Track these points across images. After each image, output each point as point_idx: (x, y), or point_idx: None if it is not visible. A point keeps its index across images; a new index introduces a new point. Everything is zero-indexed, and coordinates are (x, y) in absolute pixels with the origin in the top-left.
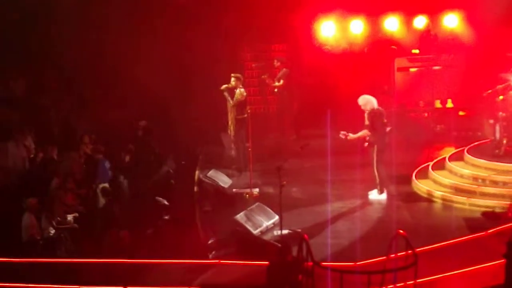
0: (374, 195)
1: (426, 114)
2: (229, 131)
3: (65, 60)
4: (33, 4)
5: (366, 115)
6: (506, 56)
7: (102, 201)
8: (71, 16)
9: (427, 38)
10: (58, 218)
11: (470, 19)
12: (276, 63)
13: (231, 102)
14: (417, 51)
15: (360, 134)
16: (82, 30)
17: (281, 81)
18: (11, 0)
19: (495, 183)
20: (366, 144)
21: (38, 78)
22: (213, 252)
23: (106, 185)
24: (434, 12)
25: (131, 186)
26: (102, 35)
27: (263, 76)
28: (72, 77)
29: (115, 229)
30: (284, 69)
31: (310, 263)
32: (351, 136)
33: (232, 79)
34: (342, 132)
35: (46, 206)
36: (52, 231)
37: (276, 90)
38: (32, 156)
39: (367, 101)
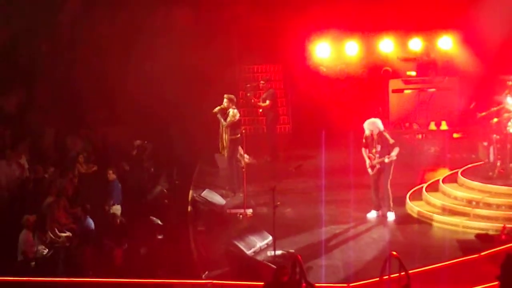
0: (391, 215)
1: (420, 136)
2: (221, 152)
3: (56, 77)
4: (24, 21)
5: (385, 134)
6: (500, 78)
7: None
8: (63, 33)
9: (424, 61)
10: (52, 236)
11: (465, 41)
12: (262, 84)
13: (224, 123)
14: (413, 73)
15: (395, 153)
16: (75, 48)
17: (267, 102)
18: (1, 17)
19: (488, 206)
20: (376, 164)
21: (29, 95)
22: (206, 272)
23: (119, 207)
24: (428, 34)
25: (125, 205)
26: (95, 52)
27: (248, 94)
28: (64, 95)
29: (108, 248)
30: (271, 90)
31: (304, 285)
32: (386, 160)
33: (225, 100)
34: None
35: (39, 224)
36: (45, 250)
37: (261, 110)
38: (26, 175)
39: (375, 126)
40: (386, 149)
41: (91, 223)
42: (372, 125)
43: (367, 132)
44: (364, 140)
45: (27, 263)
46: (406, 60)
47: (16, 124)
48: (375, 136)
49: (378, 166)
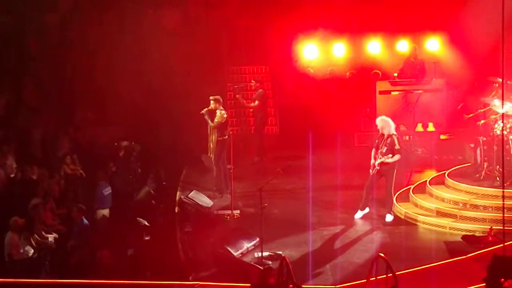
0: (389, 217)
1: (407, 138)
2: (209, 153)
3: (45, 77)
4: (12, 20)
5: (395, 138)
6: (488, 80)
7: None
8: (51, 33)
9: (413, 63)
10: (38, 238)
11: (452, 43)
12: (253, 84)
13: (211, 124)
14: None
15: (395, 158)
16: (63, 48)
17: (256, 102)
18: None
19: (475, 207)
20: (376, 164)
21: (17, 96)
22: (193, 275)
23: (106, 211)
24: (416, 36)
25: (111, 206)
26: (84, 53)
27: (237, 96)
28: (51, 96)
29: (95, 249)
30: (260, 90)
31: (291, 286)
32: (387, 160)
33: (211, 101)
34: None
35: (25, 226)
36: (31, 251)
37: (251, 110)
38: (12, 175)
39: (387, 124)
40: (391, 152)
41: (87, 223)
42: (385, 123)
43: (380, 130)
44: (376, 140)
45: (13, 265)
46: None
47: (4, 125)
48: (384, 137)
49: (377, 167)
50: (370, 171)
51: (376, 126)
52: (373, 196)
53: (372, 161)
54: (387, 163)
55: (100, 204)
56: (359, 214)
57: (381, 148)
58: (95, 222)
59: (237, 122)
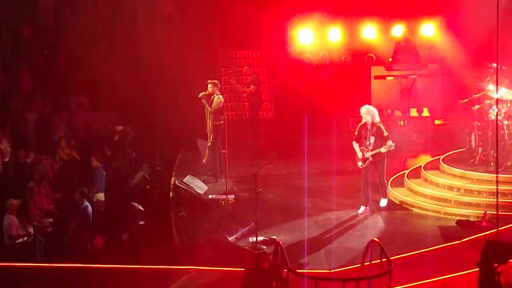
0: (384, 202)
1: (402, 123)
2: (208, 138)
3: (39, 63)
4: (6, 6)
5: (381, 125)
6: (483, 65)
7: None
8: (45, 18)
9: (405, 47)
10: (35, 222)
11: (447, 27)
12: (246, 69)
13: (209, 108)
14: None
15: (391, 144)
16: (57, 33)
17: (251, 87)
18: None
19: (470, 192)
20: (369, 156)
21: (11, 80)
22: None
23: (102, 195)
24: (411, 21)
25: (106, 191)
26: (78, 39)
27: (231, 80)
28: (46, 81)
29: (89, 234)
30: (254, 75)
31: (285, 271)
32: (382, 150)
33: (209, 85)
34: (364, 155)
35: (21, 210)
36: (27, 235)
37: (245, 95)
38: (6, 159)
39: (372, 113)
40: (380, 141)
41: (89, 207)
42: (370, 111)
43: (363, 120)
44: (356, 133)
45: (14, 247)
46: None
47: None
48: (369, 127)
49: (370, 159)
50: (360, 164)
51: (366, 114)
52: (369, 189)
53: (360, 154)
54: (379, 153)
55: (100, 187)
56: (362, 209)
57: (369, 138)
58: (92, 206)
59: (232, 107)
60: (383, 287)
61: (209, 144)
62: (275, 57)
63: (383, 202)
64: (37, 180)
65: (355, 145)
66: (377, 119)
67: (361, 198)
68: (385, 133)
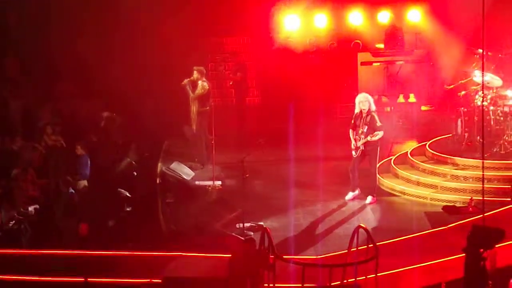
0: (369, 199)
1: (389, 109)
2: (192, 125)
3: (25, 49)
4: None
5: (375, 115)
6: (469, 50)
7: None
8: (33, 4)
9: (391, 33)
10: (21, 209)
11: (433, 13)
12: (228, 56)
13: (192, 95)
14: (381, 45)
15: (379, 135)
16: (43, 19)
17: (238, 74)
18: None
19: (456, 178)
20: (362, 147)
21: None
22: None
23: (85, 182)
24: (397, 7)
25: (92, 177)
26: (64, 24)
27: (219, 68)
28: (32, 67)
29: (74, 220)
30: (240, 62)
31: (272, 257)
32: (373, 138)
33: (195, 72)
34: (356, 144)
35: (6, 197)
36: (12, 222)
37: (231, 83)
38: None
39: (367, 101)
40: (372, 131)
41: (73, 192)
42: (366, 101)
43: (357, 110)
44: (352, 121)
45: None
46: None
47: None
48: (364, 115)
49: (362, 147)
50: (354, 153)
51: (362, 103)
52: (358, 176)
53: (353, 143)
54: (371, 142)
55: (83, 175)
56: (349, 196)
57: (362, 127)
58: (77, 193)
59: (218, 93)
60: (370, 273)
61: (194, 130)
62: (262, 43)
63: (369, 199)
64: (22, 167)
65: (351, 134)
66: (373, 107)
67: (350, 184)
68: (378, 123)
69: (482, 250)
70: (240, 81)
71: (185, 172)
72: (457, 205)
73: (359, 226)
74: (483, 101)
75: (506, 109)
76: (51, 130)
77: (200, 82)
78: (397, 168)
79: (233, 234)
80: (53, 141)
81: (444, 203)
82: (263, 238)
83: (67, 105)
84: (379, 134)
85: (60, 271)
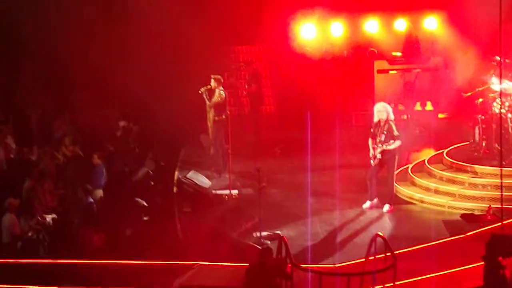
0: (387, 207)
1: (405, 117)
2: (209, 133)
3: (41, 58)
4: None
5: (392, 124)
6: (486, 57)
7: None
8: (48, 13)
9: (408, 41)
10: (39, 218)
11: (450, 20)
12: (243, 65)
13: (208, 103)
14: (397, 53)
15: (396, 144)
16: (61, 29)
17: (252, 85)
18: None
19: (474, 186)
20: (379, 155)
21: (14, 76)
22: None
23: (101, 192)
24: (414, 15)
25: (109, 187)
26: (80, 33)
27: (230, 79)
28: (49, 76)
29: (92, 230)
30: (254, 71)
31: (289, 266)
32: (388, 147)
33: (212, 80)
34: (374, 153)
35: (24, 207)
36: (30, 232)
37: (245, 92)
38: (11, 156)
39: (385, 110)
40: (390, 140)
41: (92, 202)
42: (385, 110)
43: (376, 119)
44: (372, 130)
45: (14, 245)
46: None
47: (1, 105)
48: (382, 124)
49: (379, 156)
50: (371, 162)
51: (380, 113)
52: (378, 186)
53: (372, 152)
54: (388, 151)
55: (98, 185)
56: (367, 204)
57: (379, 136)
58: (96, 202)
59: (233, 102)
60: (387, 281)
61: (211, 139)
62: (278, 52)
63: (386, 208)
64: (36, 178)
65: (370, 143)
66: (392, 116)
67: (366, 193)
68: (396, 133)
69: (501, 258)
70: (254, 92)
71: (202, 181)
72: (475, 213)
73: (377, 235)
74: (501, 108)
75: None
76: (69, 141)
77: (217, 91)
78: (414, 176)
79: (250, 243)
80: (71, 151)
81: (462, 211)
82: (280, 247)
83: (84, 115)
84: (396, 143)
85: (78, 281)
